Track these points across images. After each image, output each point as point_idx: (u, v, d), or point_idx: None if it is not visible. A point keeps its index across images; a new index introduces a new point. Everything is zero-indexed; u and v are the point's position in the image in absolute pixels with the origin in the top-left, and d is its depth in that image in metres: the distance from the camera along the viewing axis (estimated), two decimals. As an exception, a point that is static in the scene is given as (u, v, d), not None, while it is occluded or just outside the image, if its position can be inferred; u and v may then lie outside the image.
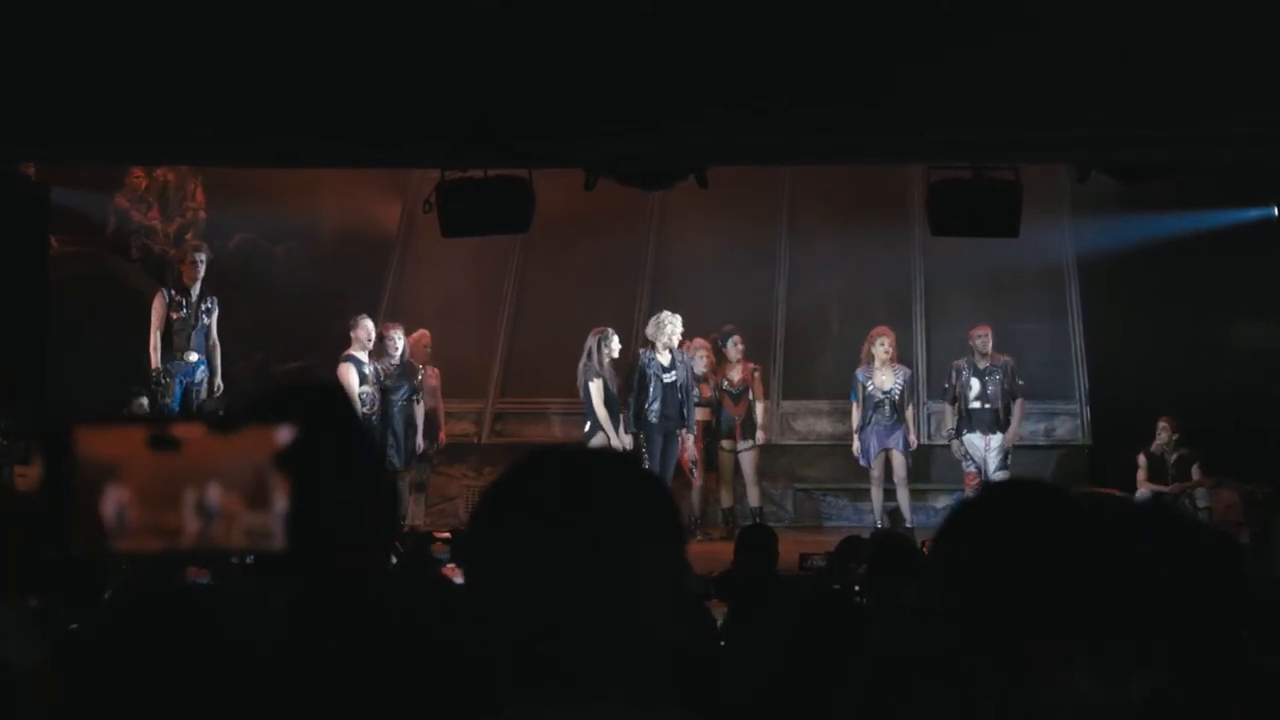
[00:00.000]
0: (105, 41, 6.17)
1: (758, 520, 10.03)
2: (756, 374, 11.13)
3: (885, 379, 10.70)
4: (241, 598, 1.87)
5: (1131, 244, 11.82)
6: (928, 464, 11.62)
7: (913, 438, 10.80)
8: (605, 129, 6.97)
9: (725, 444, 11.01)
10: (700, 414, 10.93)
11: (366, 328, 10.34)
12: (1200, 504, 10.39)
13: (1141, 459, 10.63)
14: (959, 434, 10.69)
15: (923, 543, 6.47)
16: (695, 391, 10.85)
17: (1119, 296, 11.99)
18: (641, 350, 10.63)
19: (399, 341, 10.47)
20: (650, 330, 10.65)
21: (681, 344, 10.82)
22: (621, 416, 10.42)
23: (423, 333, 10.99)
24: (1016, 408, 10.69)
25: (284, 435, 1.32)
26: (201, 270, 10.35)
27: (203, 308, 10.31)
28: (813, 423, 12.24)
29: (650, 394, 10.40)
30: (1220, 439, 10.33)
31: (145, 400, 10.00)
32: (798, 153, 8.44)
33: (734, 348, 11.06)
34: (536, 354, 12.25)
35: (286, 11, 6.06)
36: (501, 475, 1.44)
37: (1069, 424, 11.89)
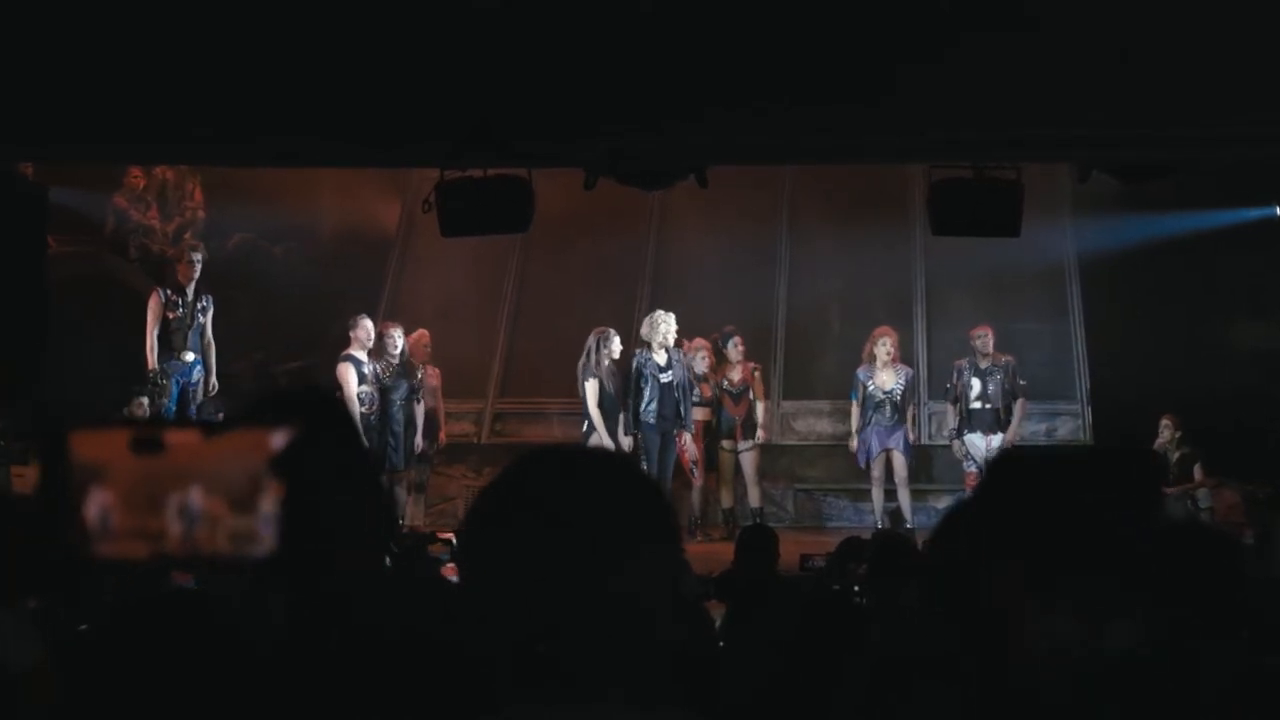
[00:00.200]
0: (105, 41, 6.17)
1: (758, 521, 10.02)
2: (757, 374, 11.13)
3: (886, 379, 10.70)
4: (239, 599, 1.87)
5: (1133, 244, 11.81)
6: (929, 464, 11.61)
7: (911, 436, 10.80)
8: (605, 129, 6.97)
9: (726, 444, 11.01)
10: (701, 414, 10.93)
11: (366, 327, 10.34)
12: (1202, 504, 10.38)
13: (1144, 460, 10.61)
14: (960, 434, 10.69)
15: (924, 543, 6.46)
16: (696, 391, 10.84)
17: (1120, 296, 11.99)
18: (637, 351, 10.59)
19: (399, 341, 10.47)
20: (645, 330, 10.63)
21: (682, 344, 10.81)
22: (621, 418, 10.41)
23: (422, 332, 10.99)
24: (1018, 408, 10.69)
25: (282, 437, 1.31)
26: (198, 270, 10.33)
27: (199, 307, 10.30)
28: (813, 423, 12.23)
29: (647, 395, 10.38)
30: (1220, 439, 10.32)
31: (145, 400, 9.99)
32: (798, 152, 8.44)
33: (734, 348, 11.05)
34: (536, 354, 12.25)
35: (286, 11, 6.06)
36: (499, 476, 1.44)
37: (1070, 424, 11.89)
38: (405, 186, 12.78)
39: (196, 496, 1.30)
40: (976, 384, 10.69)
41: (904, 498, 10.71)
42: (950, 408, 10.87)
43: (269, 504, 1.30)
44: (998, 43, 6.16)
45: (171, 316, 10.19)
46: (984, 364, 10.70)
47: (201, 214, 12.79)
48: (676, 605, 1.44)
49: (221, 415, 10.03)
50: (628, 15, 6.05)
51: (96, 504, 1.30)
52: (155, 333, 10.15)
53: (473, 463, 11.59)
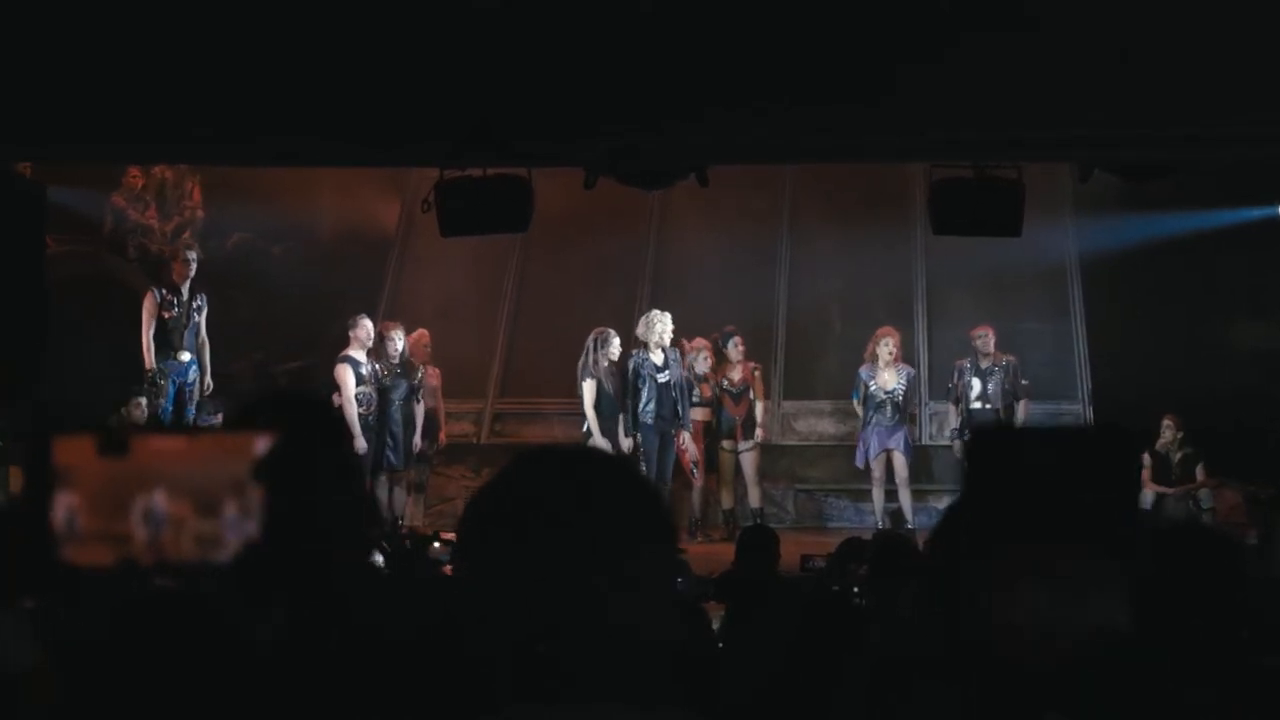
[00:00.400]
0: (104, 41, 6.17)
1: (759, 521, 10.02)
2: (757, 373, 11.12)
3: (888, 379, 10.70)
4: (237, 599, 1.87)
5: (1134, 244, 11.81)
6: (929, 465, 11.61)
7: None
8: (605, 129, 6.97)
9: (726, 444, 11.00)
10: (701, 414, 10.92)
11: (367, 327, 10.33)
12: (1204, 505, 10.38)
13: (1146, 458, 10.59)
14: (961, 434, 10.68)
15: (924, 543, 6.46)
16: (695, 391, 10.84)
17: (1121, 296, 11.98)
18: (634, 351, 10.56)
19: (399, 342, 10.46)
20: (641, 330, 10.61)
21: (682, 344, 10.81)
22: (621, 419, 10.39)
23: (422, 332, 10.98)
24: (1021, 408, 10.68)
25: (265, 441, 1.31)
26: (192, 269, 10.30)
27: (194, 306, 10.26)
28: (814, 423, 12.23)
29: (645, 395, 10.37)
30: (1221, 439, 10.32)
31: (143, 401, 9.97)
32: (798, 152, 8.44)
33: (734, 348, 11.04)
34: (536, 354, 12.24)
35: (286, 11, 6.06)
36: (496, 476, 1.44)
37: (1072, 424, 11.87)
38: (405, 186, 12.77)
39: (161, 500, 1.29)
40: (977, 384, 10.69)
41: (905, 498, 10.70)
42: (952, 408, 10.87)
43: (234, 507, 1.29)
44: (998, 43, 6.16)
45: (167, 316, 10.15)
46: (985, 364, 10.70)
47: (200, 214, 12.77)
48: (675, 606, 1.43)
49: (220, 416, 10.03)
50: (628, 15, 6.05)
51: (63, 507, 1.30)
52: (151, 333, 10.12)
53: (472, 463, 11.57)
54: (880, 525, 10.47)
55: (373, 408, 10.16)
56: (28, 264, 7.77)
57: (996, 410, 10.60)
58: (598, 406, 10.33)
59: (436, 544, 6.71)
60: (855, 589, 5.34)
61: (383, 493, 10.35)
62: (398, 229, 13.24)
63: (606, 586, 1.35)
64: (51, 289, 8.48)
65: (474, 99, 6.58)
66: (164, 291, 10.22)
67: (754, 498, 10.98)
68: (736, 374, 10.99)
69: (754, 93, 6.49)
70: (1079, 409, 11.86)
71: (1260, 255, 11.28)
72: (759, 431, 11.00)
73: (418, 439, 10.54)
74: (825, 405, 12.10)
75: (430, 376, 10.87)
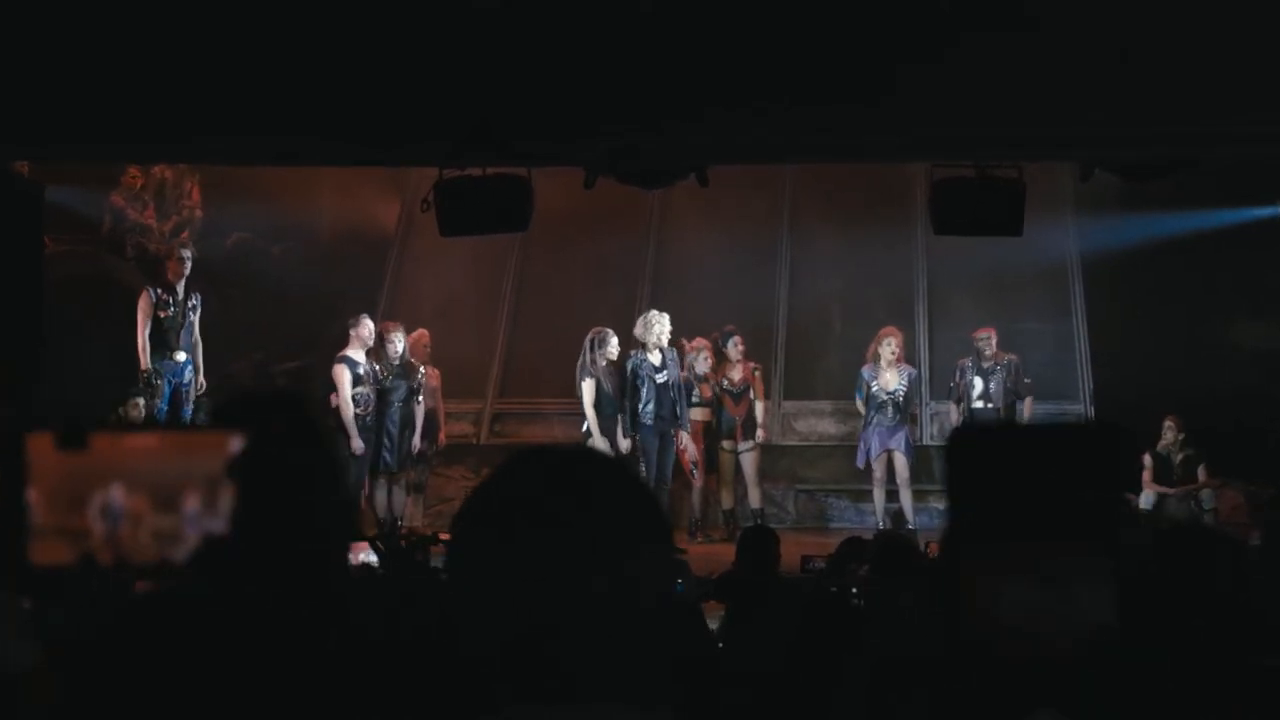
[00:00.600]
0: (104, 41, 6.17)
1: (759, 522, 10.00)
2: (757, 373, 11.10)
3: (890, 379, 10.68)
4: (234, 599, 1.86)
5: (1135, 243, 11.81)
6: (931, 465, 11.60)
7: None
8: (605, 129, 6.97)
9: (726, 444, 10.98)
10: (701, 414, 10.91)
11: (368, 326, 10.31)
12: (1206, 505, 10.37)
13: (1147, 459, 10.59)
14: (961, 434, 10.66)
15: (926, 544, 6.45)
16: (695, 391, 10.83)
17: (1122, 296, 11.98)
18: (632, 352, 10.54)
19: (399, 342, 10.43)
20: (639, 330, 10.59)
21: (682, 344, 10.80)
22: (620, 419, 10.39)
23: (422, 332, 10.97)
24: (1025, 406, 10.67)
25: (239, 440, 1.31)
26: (187, 267, 10.26)
27: (189, 305, 10.24)
28: (814, 423, 12.23)
29: (644, 396, 10.36)
30: (1221, 439, 10.32)
31: (141, 401, 9.94)
32: (798, 152, 8.44)
33: (734, 348, 11.03)
34: (536, 354, 12.23)
35: (286, 11, 6.06)
36: (490, 476, 1.44)
37: (1071, 424, 11.88)
38: (404, 186, 12.76)
39: (119, 495, 1.29)
40: (979, 383, 10.68)
41: (906, 499, 10.69)
42: (954, 407, 10.86)
43: (194, 502, 1.29)
44: (998, 43, 6.17)
45: (163, 316, 10.11)
46: (987, 363, 10.69)
47: (199, 213, 12.76)
48: (672, 606, 1.43)
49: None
50: (628, 15, 6.05)
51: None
52: (146, 332, 10.08)
53: (471, 464, 11.56)
54: (881, 526, 10.45)
55: (370, 408, 10.13)
56: (26, 264, 7.77)
57: (998, 410, 10.58)
58: (598, 406, 10.32)
59: (435, 545, 6.70)
60: (853, 590, 5.33)
61: (382, 493, 10.34)
62: (397, 229, 13.24)
63: (600, 587, 1.34)
64: (49, 288, 8.48)
65: (474, 99, 6.58)
66: (159, 291, 10.17)
67: (754, 498, 10.97)
68: (736, 374, 10.98)
69: (754, 93, 6.49)
70: (1080, 409, 11.84)
71: (1261, 255, 11.29)
72: (760, 432, 10.99)
73: (417, 440, 10.51)
74: (826, 405, 12.09)
75: (430, 377, 10.86)
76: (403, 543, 5.26)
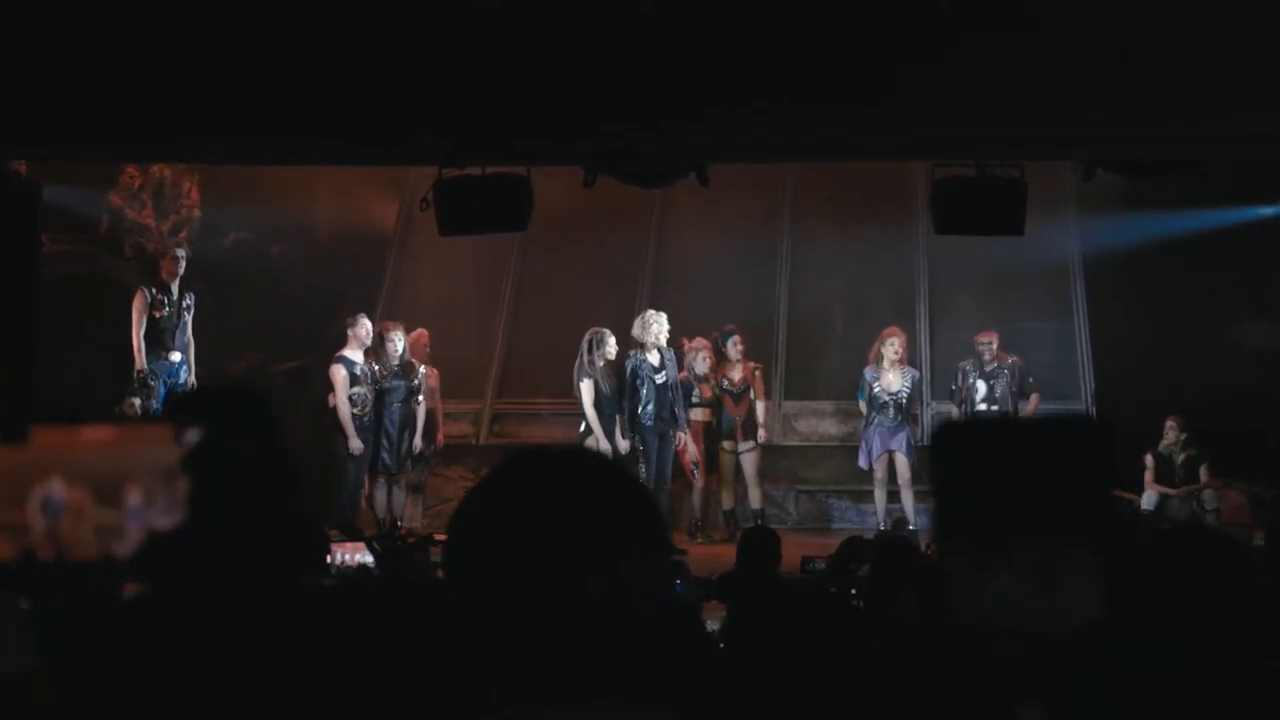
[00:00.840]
0: (103, 41, 6.16)
1: (759, 522, 10.00)
2: (758, 373, 11.09)
3: (893, 380, 10.67)
4: (232, 598, 1.86)
5: (1137, 242, 11.80)
6: (931, 466, 11.57)
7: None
8: (605, 129, 6.97)
9: (726, 445, 10.97)
10: (701, 414, 10.90)
11: (366, 326, 10.31)
12: (1208, 506, 10.35)
13: (1149, 459, 10.58)
14: (961, 435, 10.64)
15: (927, 545, 6.45)
16: (695, 391, 10.82)
17: (1124, 295, 11.97)
18: (631, 353, 10.53)
19: (399, 342, 10.42)
20: (637, 330, 10.58)
21: (682, 344, 10.79)
22: (619, 419, 10.38)
23: (421, 332, 10.96)
24: (1031, 402, 10.65)
25: (193, 434, 1.29)
26: (182, 266, 10.25)
27: (184, 305, 10.24)
28: (815, 424, 12.22)
29: (643, 396, 10.36)
30: (1223, 439, 10.31)
31: (137, 401, 9.92)
32: (798, 152, 8.44)
33: (734, 347, 11.02)
34: (535, 354, 12.21)
35: (286, 11, 6.06)
36: (487, 477, 1.43)
37: (1073, 424, 11.84)
38: (404, 185, 12.75)
39: (59, 489, 1.27)
40: (982, 386, 10.66)
41: (907, 499, 10.68)
42: (954, 409, 10.84)
43: (137, 496, 1.27)
44: (998, 43, 6.16)
45: (158, 315, 10.10)
46: (989, 366, 10.68)
47: (197, 212, 12.73)
48: (670, 606, 1.43)
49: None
50: (628, 15, 6.05)
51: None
52: (141, 332, 10.08)
53: (470, 464, 11.55)
54: (882, 526, 10.44)
55: (368, 408, 10.12)
56: (23, 263, 7.77)
57: (1005, 412, 10.54)
58: (597, 406, 10.32)
59: (434, 545, 6.70)
60: (852, 590, 5.32)
61: (381, 494, 10.33)
62: (396, 228, 13.23)
63: (598, 587, 1.34)
64: (47, 288, 8.47)
65: (474, 99, 6.58)
66: (154, 290, 10.16)
67: (755, 498, 10.96)
68: (737, 374, 10.97)
69: (754, 93, 6.49)
70: (1082, 408, 11.83)
71: (1263, 254, 11.28)
72: (761, 432, 10.97)
73: (417, 440, 10.50)
74: (827, 406, 12.08)
75: (429, 377, 10.85)
76: (402, 543, 5.26)
